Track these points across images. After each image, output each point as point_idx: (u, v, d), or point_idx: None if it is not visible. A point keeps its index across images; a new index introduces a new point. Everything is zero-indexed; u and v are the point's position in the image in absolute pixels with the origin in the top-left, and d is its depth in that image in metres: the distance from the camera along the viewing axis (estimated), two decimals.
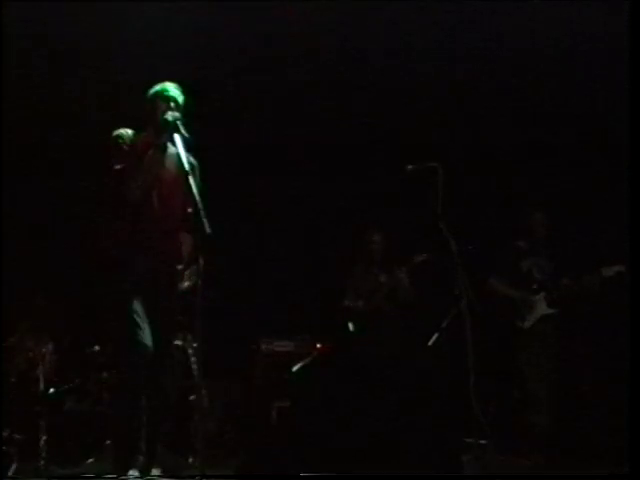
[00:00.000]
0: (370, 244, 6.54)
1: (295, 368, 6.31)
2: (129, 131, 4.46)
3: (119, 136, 4.43)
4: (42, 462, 5.25)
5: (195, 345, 5.99)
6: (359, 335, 6.34)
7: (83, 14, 5.80)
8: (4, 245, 6.17)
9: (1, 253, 3.98)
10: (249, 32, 6.21)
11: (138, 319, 4.27)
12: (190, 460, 5.48)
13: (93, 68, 6.30)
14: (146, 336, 4.27)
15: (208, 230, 4.11)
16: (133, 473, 4.18)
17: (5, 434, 5.33)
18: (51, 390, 5.74)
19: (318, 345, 6.53)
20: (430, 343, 5.86)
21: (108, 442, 5.39)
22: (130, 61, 6.19)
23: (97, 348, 5.96)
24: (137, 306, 4.29)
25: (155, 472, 4.32)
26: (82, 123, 6.55)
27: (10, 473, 4.79)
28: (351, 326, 6.41)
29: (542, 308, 6.08)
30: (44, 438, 5.39)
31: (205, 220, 4.11)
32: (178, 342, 6.07)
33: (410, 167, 5.33)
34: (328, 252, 7.11)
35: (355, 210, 7.06)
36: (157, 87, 4.50)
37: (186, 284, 4.60)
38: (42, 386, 5.67)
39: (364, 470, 3.57)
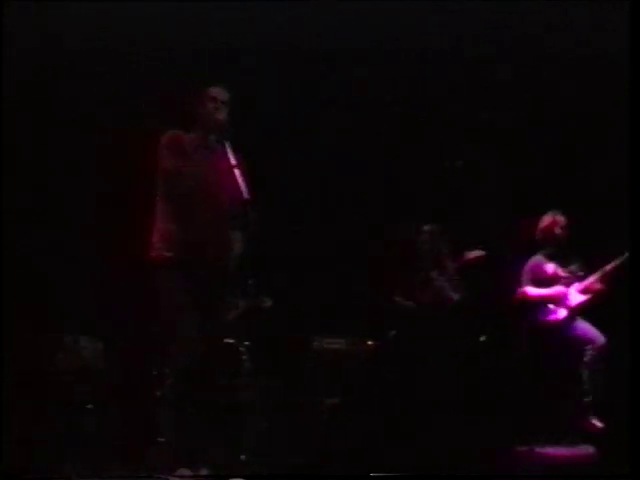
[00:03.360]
0: (420, 239, 6.46)
1: (348, 365, 6.30)
2: (178, 132, 4.50)
3: (168, 136, 4.47)
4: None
5: (246, 343, 6.01)
6: (410, 332, 6.28)
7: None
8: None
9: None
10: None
11: (187, 317, 4.29)
12: (242, 458, 5.48)
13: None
14: (195, 334, 4.28)
15: (257, 227, 4.13)
16: (184, 472, 4.19)
17: (55, 433, 5.37)
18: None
19: (369, 342, 6.49)
20: (481, 339, 5.82)
21: (160, 440, 5.40)
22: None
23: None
24: (186, 303, 4.31)
25: (205, 471, 4.32)
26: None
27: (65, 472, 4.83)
28: (401, 323, 6.36)
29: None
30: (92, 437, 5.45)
31: (254, 217, 4.13)
32: (229, 340, 6.09)
33: (460, 162, 5.29)
34: (379, 247, 7.04)
35: (406, 204, 6.99)
36: (206, 88, 4.54)
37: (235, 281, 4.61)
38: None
39: (414, 470, 3.53)
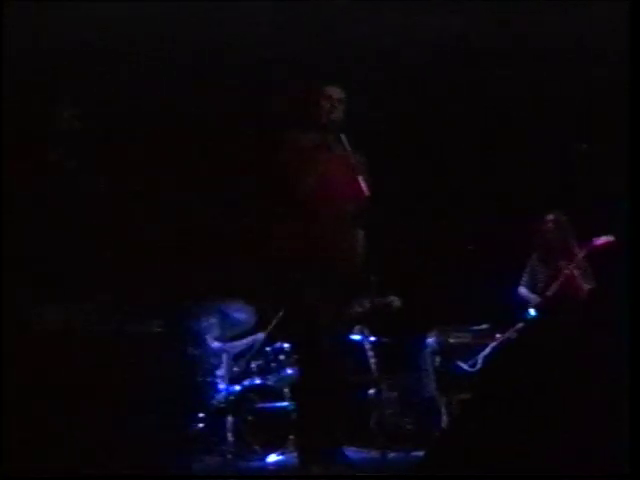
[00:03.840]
0: (544, 228, 6.31)
1: (475, 359, 6.22)
2: (296, 133, 4.54)
3: (287, 138, 4.51)
4: (229, 457, 5.41)
5: (372, 339, 6.02)
6: (540, 323, 6.14)
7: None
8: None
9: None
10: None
11: (315, 316, 4.32)
12: (372, 454, 5.50)
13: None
14: (322, 332, 4.32)
15: (379, 224, 4.13)
16: (316, 468, 4.23)
17: (195, 430, 5.53)
18: (236, 387, 5.92)
19: (497, 335, 6.39)
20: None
21: (291, 437, 5.49)
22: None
23: (277, 345, 6.10)
24: (312, 303, 4.34)
25: (339, 467, 4.34)
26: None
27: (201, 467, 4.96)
28: (531, 314, 6.23)
29: None
30: (230, 434, 5.57)
31: (376, 214, 4.13)
32: (356, 337, 6.12)
33: (585, 145, 5.13)
34: (505, 238, 6.93)
35: (533, 193, 6.86)
36: (321, 88, 4.56)
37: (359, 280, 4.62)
38: (227, 383, 5.85)
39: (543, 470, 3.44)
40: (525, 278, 6.42)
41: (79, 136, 4.08)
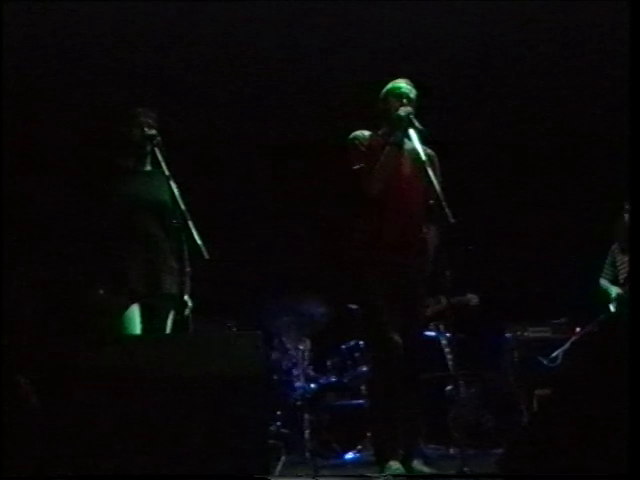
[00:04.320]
0: (625, 218, 6.16)
1: (554, 354, 6.11)
2: (365, 132, 4.54)
3: (355, 137, 4.52)
4: (307, 454, 5.43)
5: (448, 335, 5.97)
6: (622, 316, 6.00)
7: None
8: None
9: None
10: None
11: (386, 314, 4.31)
12: (451, 451, 5.46)
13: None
14: (396, 330, 4.30)
15: (452, 220, 4.08)
16: (394, 464, 4.22)
17: (273, 429, 5.57)
18: (312, 385, 5.94)
19: (577, 329, 6.27)
20: None
21: (369, 434, 5.48)
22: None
23: (351, 343, 6.10)
24: (386, 301, 4.33)
25: (416, 464, 4.33)
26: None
27: (279, 467, 4.99)
28: (612, 307, 6.09)
29: None
30: (308, 432, 5.59)
31: (448, 210, 4.08)
32: (431, 333, 6.08)
33: None
34: (585, 230, 6.80)
35: (610, 184, 6.72)
36: (389, 85, 4.55)
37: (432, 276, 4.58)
38: (303, 382, 5.87)
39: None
40: (606, 270, 6.29)
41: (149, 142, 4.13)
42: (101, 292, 4.11)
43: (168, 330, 4.22)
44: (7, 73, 5.96)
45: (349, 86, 6.27)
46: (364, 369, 5.85)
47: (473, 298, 6.28)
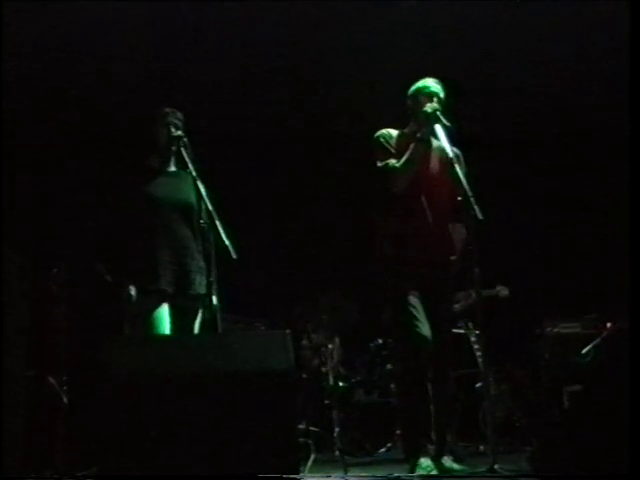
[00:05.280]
0: None
1: (585, 350, 6.06)
2: (391, 130, 4.53)
3: (381, 135, 4.51)
4: (337, 452, 5.44)
5: (477, 332, 5.95)
6: None
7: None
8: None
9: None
10: None
11: (415, 312, 4.30)
12: (481, 448, 5.44)
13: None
14: (425, 328, 4.29)
15: (480, 217, 4.05)
16: (424, 462, 4.21)
17: (302, 427, 5.58)
18: (340, 383, 5.94)
19: (608, 324, 6.21)
20: None
21: (398, 432, 5.48)
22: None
23: (380, 341, 6.10)
24: (414, 299, 4.32)
25: (446, 461, 4.31)
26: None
27: (309, 465, 5.00)
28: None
29: None
30: (337, 430, 5.59)
31: (476, 207, 4.06)
32: (460, 330, 6.06)
33: None
34: (615, 226, 6.75)
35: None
36: (418, 84, 4.54)
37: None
38: (332, 380, 5.87)
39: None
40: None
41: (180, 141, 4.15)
42: (131, 292, 4.14)
43: (197, 330, 4.25)
44: (34, 74, 6.02)
45: (379, 84, 6.27)
46: (393, 367, 5.84)
47: (503, 290, 6.26)
